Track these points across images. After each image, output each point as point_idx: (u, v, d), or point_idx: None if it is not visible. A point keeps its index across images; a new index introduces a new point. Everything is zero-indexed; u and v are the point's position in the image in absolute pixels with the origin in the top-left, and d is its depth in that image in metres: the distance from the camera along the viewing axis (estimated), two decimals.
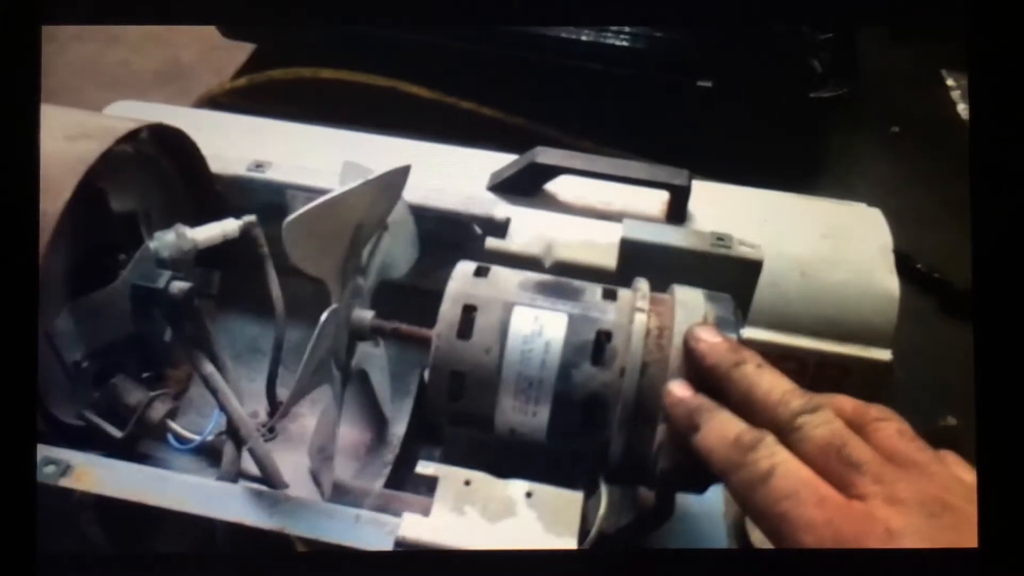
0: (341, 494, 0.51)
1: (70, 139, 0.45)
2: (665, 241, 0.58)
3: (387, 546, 0.41)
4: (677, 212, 0.75)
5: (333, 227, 0.44)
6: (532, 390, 0.45)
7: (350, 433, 0.58)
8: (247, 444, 0.50)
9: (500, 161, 0.77)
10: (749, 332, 0.67)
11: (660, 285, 0.49)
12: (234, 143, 0.82)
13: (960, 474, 0.35)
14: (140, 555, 0.45)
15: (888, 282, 0.67)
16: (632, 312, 0.45)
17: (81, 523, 0.45)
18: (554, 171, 0.76)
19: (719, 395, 0.41)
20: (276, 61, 1.25)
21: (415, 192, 0.58)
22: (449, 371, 0.45)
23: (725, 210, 0.78)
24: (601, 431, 0.45)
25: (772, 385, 0.39)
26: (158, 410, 0.53)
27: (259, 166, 0.62)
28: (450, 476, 0.44)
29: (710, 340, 0.42)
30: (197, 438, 0.54)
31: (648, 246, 0.58)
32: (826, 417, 0.37)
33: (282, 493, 0.45)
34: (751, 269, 0.58)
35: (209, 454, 0.55)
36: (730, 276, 0.58)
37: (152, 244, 0.53)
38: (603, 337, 0.45)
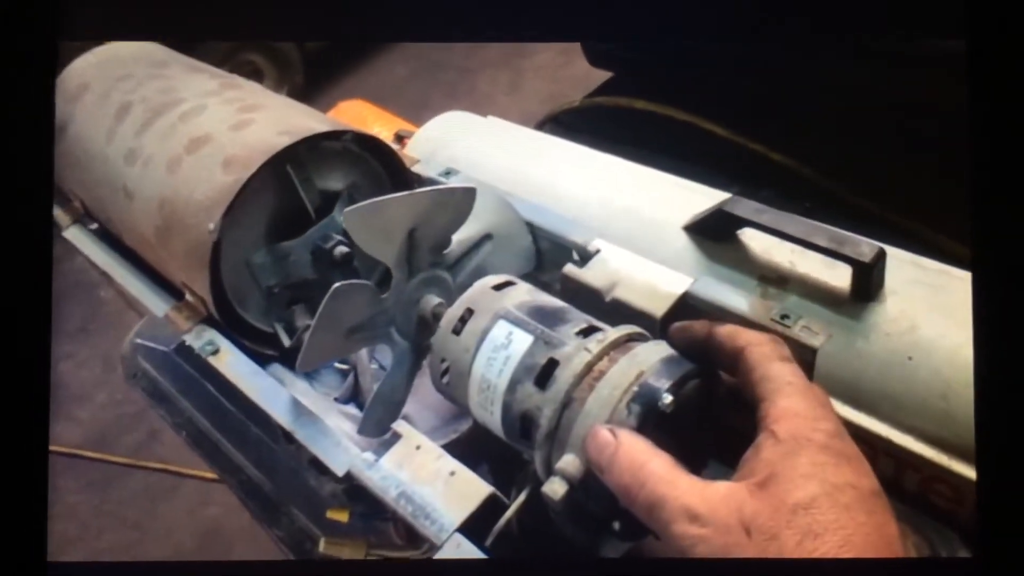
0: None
1: (277, 133, 0.66)
2: (721, 303, 0.57)
3: (340, 471, 0.53)
4: (861, 289, 0.70)
5: (386, 223, 0.56)
6: (489, 392, 0.52)
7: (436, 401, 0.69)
8: (362, 381, 0.67)
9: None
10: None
11: None
12: (513, 158, 1.00)
13: None
14: (143, 564, 0.55)
15: None
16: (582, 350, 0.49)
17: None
18: (740, 222, 0.76)
19: None
20: (625, 90, 1.38)
21: (528, 210, 0.67)
22: (440, 357, 0.55)
23: (935, 296, 0.69)
24: (533, 445, 0.50)
25: None
26: None
27: (447, 172, 0.77)
28: (408, 438, 0.54)
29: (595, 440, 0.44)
30: (335, 363, 0.72)
31: (706, 304, 0.58)
32: None
33: (317, 407, 0.59)
34: (805, 354, 0.53)
35: (340, 374, 0.73)
36: None
37: (339, 216, 0.71)
38: (551, 364, 0.50)
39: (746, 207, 0.76)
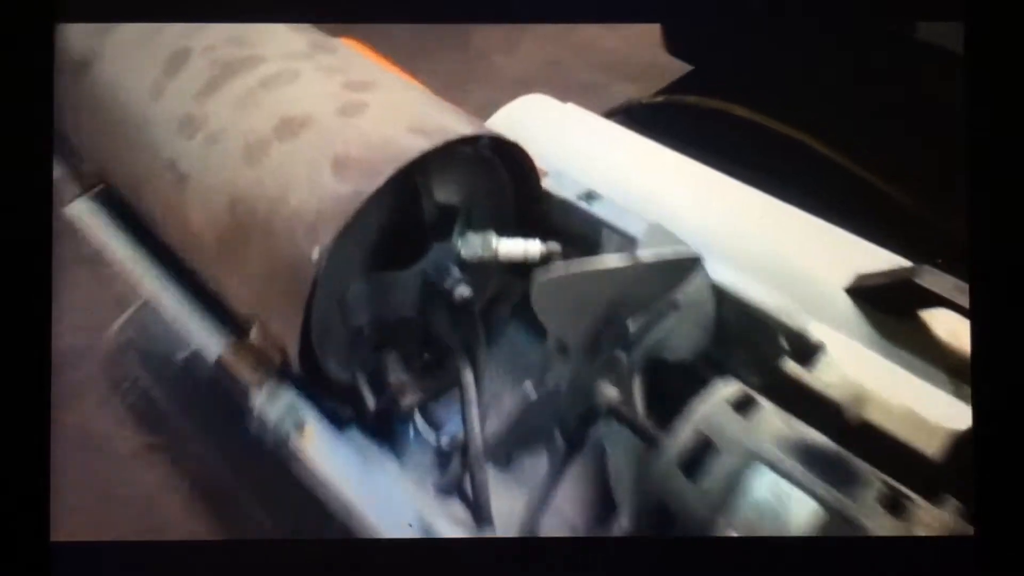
0: None
1: (407, 130, 0.48)
2: None
3: None
4: None
5: (584, 298, 0.40)
6: None
7: (575, 504, 0.53)
8: (473, 466, 0.50)
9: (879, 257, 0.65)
10: None
11: None
12: (606, 159, 0.83)
13: None
14: (145, 543, 0.47)
15: None
16: None
17: None
18: (931, 299, 0.62)
19: None
20: (705, 85, 1.22)
21: (725, 272, 0.51)
22: (656, 500, 0.39)
23: None
24: None
25: None
26: (409, 398, 0.54)
27: (589, 196, 0.59)
28: None
29: None
30: (432, 440, 0.55)
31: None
32: None
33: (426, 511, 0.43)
34: None
35: (440, 454, 0.56)
36: None
37: (458, 242, 0.54)
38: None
39: (942, 282, 0.62)
